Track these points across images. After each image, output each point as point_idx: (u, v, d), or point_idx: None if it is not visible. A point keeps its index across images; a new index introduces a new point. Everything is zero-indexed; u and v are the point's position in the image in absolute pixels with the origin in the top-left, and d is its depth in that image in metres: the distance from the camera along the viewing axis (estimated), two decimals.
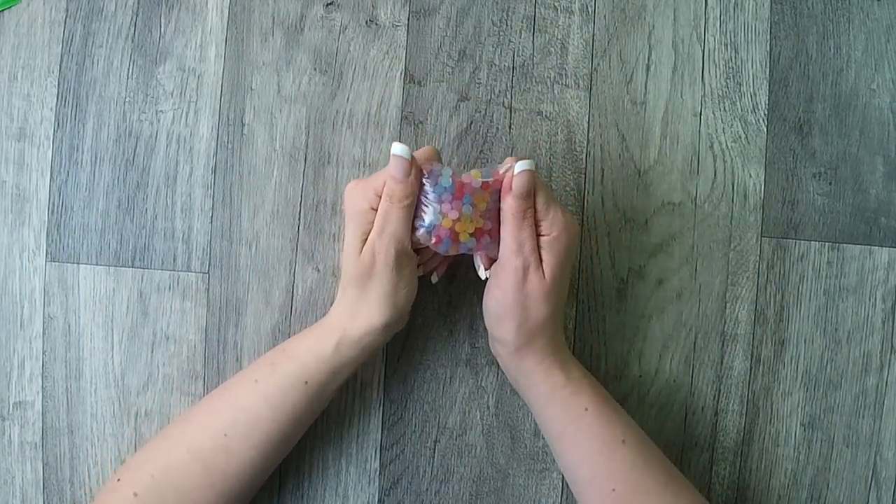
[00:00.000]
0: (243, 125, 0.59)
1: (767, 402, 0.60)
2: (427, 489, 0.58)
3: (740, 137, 0.60)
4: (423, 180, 0.49)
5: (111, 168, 0.58)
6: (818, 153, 0.60)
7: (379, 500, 0.58)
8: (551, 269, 0.50)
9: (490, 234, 0.51)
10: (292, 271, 0.58)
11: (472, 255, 0.54)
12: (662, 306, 0.59)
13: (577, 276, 0.59)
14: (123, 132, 0.58)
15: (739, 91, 0.60)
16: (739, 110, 0.60)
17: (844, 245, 0.60)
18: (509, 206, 0.49)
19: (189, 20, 0.59)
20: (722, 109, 0.60)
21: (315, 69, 0.59)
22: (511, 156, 0.54)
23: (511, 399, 0.58)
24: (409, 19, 0.59)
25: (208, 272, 0.58)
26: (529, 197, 0.49)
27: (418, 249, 0.52)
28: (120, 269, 0.58)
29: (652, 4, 0.60)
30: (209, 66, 0.59)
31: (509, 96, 0.59)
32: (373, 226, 0.49)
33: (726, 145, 0.60)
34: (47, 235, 0.58)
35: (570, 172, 0.59)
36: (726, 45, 0.60)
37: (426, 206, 0.49)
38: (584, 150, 0.59)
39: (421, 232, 0.50)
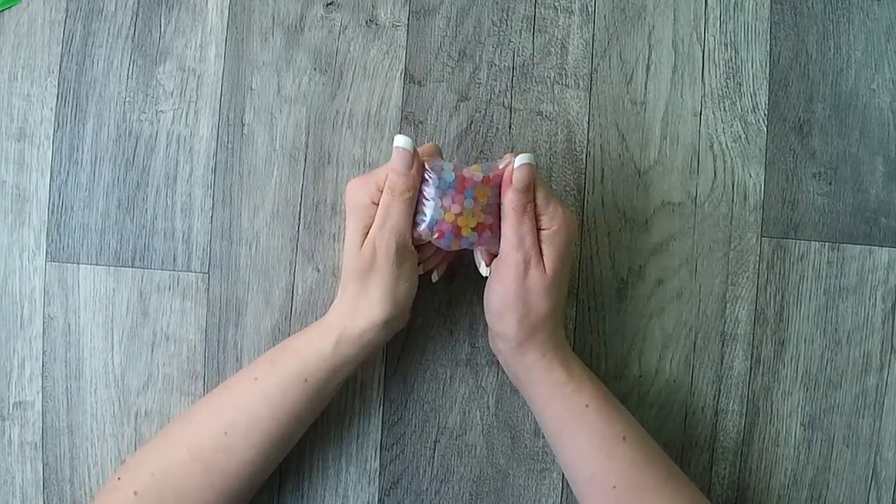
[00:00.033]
0: (243, 125, 0.59)
1: (767, 402, 0.60)
2: (427, 489, 0.58)
3: (740, 137, 0.60)
4: (426, 175, 0.49)
5: (111, 168, 0.58)
6: (818, 153, 0.60)
7: (379, 500, 0.58)
8: (552, 262, 0.50)
9: (491, 228, 0.51)
10: (292, 271, 0.58)
11: (472, 254, 0.54)
12: (662, 306, 0.59)
13: (577, 276, 0.59)
14: (123, 132, 0.58)
15: (739, 91, 0.60)
16: (739, 110, 0.60)
17: (844, 245, 0.60)
18: (510, 200, 0.49)
19: (189, 20, 0.59)
20: (722, 109, 0.60)
21: (315, 69, 0.59)
22: (510, 153, 0.54)
23: (511, 399, 0.58)
24: (409, 19, 0.59)
25: (208, 272, 0.58)
26: (529, 191, 0.49)
27: (419, 247, 0.52)
28: (120, 269, 0.58)
29: (652, 4, 0.60)
30: (209, 66, 0.59)
31: (509, 96, 0.59)
32: (374, 220, 0.49)
33: (726, 145, 0.60)
34: (47, 235, 0.58)
35: (570, 172, 0.59)
36: (726, 45, 0.60)
37: (427, 200, 0.49)
38: (584, 150, 0.60)
39: (423, 227, 0.49)
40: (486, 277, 0.52)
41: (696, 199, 0.60)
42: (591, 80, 0.60)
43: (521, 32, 0.60)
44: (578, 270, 0.59)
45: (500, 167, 0.50)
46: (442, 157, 0.51)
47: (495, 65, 0.59)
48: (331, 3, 0.59)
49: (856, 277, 0.60)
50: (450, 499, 0.58)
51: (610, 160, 0.59)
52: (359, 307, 0.50)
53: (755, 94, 0.60)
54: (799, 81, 0.60)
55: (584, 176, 0.59)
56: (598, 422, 0.51)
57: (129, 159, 0.58)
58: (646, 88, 0.60)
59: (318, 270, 0.58)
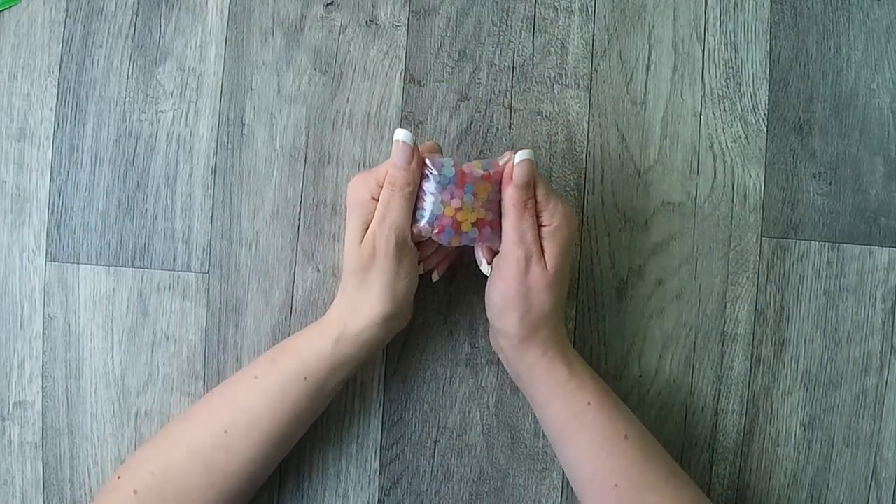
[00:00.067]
0: (243, 125, 0.59)
1: (767, 402, 0.60)
2: (427, 489, 0.58)
3: (740, 137, 0.60)
4: (425, 171, 0.49)
5: (111, 168, 0.58)
6: (818, 153, 0.60)
7: (379, 500, 0.58)
8: (553, 259, 0.50)
9: (491, 225, 0.51)
10: (292, 271, 0.58)
11: (473, 252, 0.54)
12: (662, 306, 0.59)
13: (577, 276, 0.59)
14: (123, 132, 0.58)
15: (739, 91, 0.60)
16: (739, 110, 0.60)
17: (844, 245, 0.60)
18: (510, 196, 0.49)
19: (189, 20, 0.59)
20: (722, 109, 0.60)
21: (315, 69, 0.59)
22: (510, 150, 0.54)
23: (511, 399, 0.58)
24: (409, 19, 0.59)
25: (208, 272, 0.58)
26: (530, 187, 0.49)
27: (419, 245, 0.52)
28: (120, 269, 0.58)
29: (652, 4, 0.60)
30: (209, 66, 0.59)
31: (509, 96, 0.59)
32: (374, 215, 0.49)
33: (726, 145, 0.60)
34: (47, 235, 0.58)
35: (570, 172, 0.59)
36: (726, 45, 0.60)
37: (427, 196, 0.49)
38: (584, 150, 0.60)
39: (423, 223, 0.49)
40: (488, 276, 0.52)
41: (696, 199, 0.60)
42: (591, 80, 0.60)
43: (521, 32, 0.60)
44: (578, 270, 0.59)
45: (501, 164, 0.50)
46: (442, 155, 0.51)
47: (495, 65, 0.59)
48: (331, 3, 0.59)
49: (856, 277, 0.60)
50: (450, 499, 0.58)
51: (610, 160, 0.59)
52: (358, 304, 0.50)
53: (755, 94, 0.60)
54: (799, 81, 0.60)
55: (584, 176, 0.59)
56: (600, 420, 0.51)
57: (129, 159, 0.58)
58: (646, 88, 0.60)
59: (318, 270, 0.58)
